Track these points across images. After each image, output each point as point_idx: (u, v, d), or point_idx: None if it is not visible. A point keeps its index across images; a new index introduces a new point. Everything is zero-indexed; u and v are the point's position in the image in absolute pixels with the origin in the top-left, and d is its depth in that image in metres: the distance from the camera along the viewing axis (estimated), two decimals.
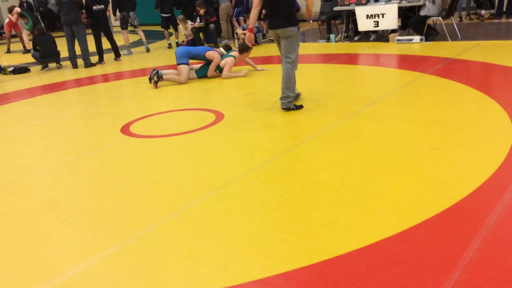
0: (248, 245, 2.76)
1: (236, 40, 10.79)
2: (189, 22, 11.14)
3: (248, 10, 11.58)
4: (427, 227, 2.76)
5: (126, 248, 2.86)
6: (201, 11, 10.68)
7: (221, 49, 7.75)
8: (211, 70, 7.47)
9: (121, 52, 10.96)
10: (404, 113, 4.89)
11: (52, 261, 2.81)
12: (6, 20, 13.59)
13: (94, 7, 9.90)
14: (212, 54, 7.42)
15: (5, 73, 10.18)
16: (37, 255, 2.89)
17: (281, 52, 5.20)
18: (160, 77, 7.27)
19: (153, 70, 7.37)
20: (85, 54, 9.90)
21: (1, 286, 2.61)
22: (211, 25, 10.76)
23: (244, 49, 7.35)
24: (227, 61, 7.39)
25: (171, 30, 11.88)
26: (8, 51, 13.94)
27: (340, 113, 5.12)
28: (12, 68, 10.18)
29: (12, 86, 8.87)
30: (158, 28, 12.51)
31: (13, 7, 13.79)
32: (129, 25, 10.96)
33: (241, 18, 11.64)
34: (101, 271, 2.66)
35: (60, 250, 2.92)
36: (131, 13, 10.93)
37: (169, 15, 11.32)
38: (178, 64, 7.30)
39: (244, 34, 10.55)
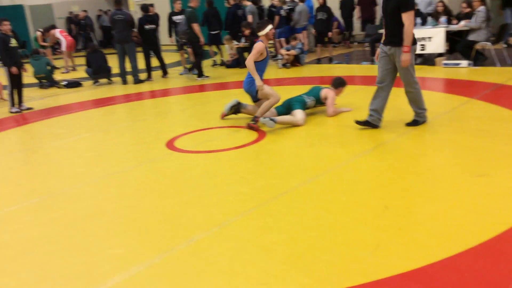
0: (287, 263, 2.77)
1: (279, 60, 10.91)
2: (234, 42, 11.37)
3: (291, 31, 11.69)
4: (473, 255, 2.69)
5: (168, 259, 2.93)
6: (246, 32, 10.87)
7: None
8: (331, 107, 6.16)
9: (177, 72, 11.19)
10: (451, 138, 4.80)
11: (98, 268, 2.91)
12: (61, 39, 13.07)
13: (146, 26, 10.28)
14: (326, 92, 6.27)
15: (59, 87, 10.68)
16: (84, 262, 3.00)
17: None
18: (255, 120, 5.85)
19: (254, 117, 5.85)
20: (135, 71, 10.26)
21: None
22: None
23: (340, 83, 6.35)
24: (330, 96, 6.16)
25: (215, 49, 12.14)
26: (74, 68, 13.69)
27: (384, 135, 5.08)
28: (65, 82, 10.67)
29: (65, 99, 9.29)
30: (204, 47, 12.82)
31: (52, 26, 13.38)
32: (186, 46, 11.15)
33: (283, 39, 11.78)
34: (144, 280, 2.73)
35: (105, 258, 3.02)
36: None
37: (217, 31, 11.56)
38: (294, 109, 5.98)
39: (288, 55, 10.66)
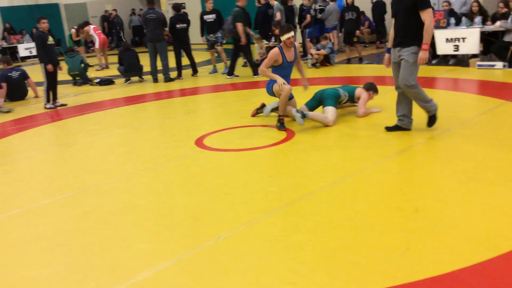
0: (315, 263, 2.76)
1: (308, 60, 10.86)
2: (264, 41, 11.37)
3: (322, 31, 11.62)
4: (506, 261, 2.62)
5: (196, 256, 2.96)
6: (276, 31, 10.86)
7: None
8: (362, 108, 6.06)
9: (207, 71, 11.25)
10: (485, 141, 4.68)
11: (127, 262, 2.96)
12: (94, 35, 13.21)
13: (178, 26, 10.40)
14: (361, 91, 6.19)
15: (92, 84, 10.92)
16: (114, 256, 3.06)
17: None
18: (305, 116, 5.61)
19: (298, 111, 5.61)
20: (165, 70, 10.39)
21: (79, 283, 2.79)
22: None
23: (372, 87, 6.21)
24: (363, 97, 6.09)
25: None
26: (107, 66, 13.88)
27: (415, 137, 5.00)
28: (98, 80, 10.90)
29: (98, 96, 9.49)
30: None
31: (86, 23, 13.60)
32: (217, 45, 11.21)
33: (312, 38, 11.71)
34: (172, 276, 2.77)
35: (135, 252, 3.08)
36: (217, 34, 11.24)
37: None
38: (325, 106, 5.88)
39: (318, 54, 10.60)
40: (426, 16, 4.64)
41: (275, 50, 5.79)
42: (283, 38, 5.71)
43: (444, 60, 9.70)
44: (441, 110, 5.31)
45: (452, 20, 9.35)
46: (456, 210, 3.27)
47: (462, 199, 3.45)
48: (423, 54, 4.68)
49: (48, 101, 8.44)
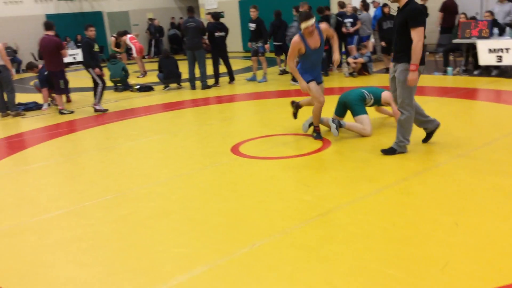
0: (350, 275, 2.73)
1: (345, 69, 10.77)
2: None
3: (359, 41, 11.51)
4: None
5: (231, 262, 2.98)
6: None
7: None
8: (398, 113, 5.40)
9: (244, 78, 11.31)
10: None
11: (163, 266, 3.01)
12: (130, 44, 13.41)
13: (216, 34, 10.55)
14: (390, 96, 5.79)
15: (132, 90, 11.19)
16: (150, 259, 3.12)
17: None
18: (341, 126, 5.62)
19: (333, 120, 5.59)
20: (203, 77, 10.54)
21: (116, 285, 2.86)
22: (323, 54, 10.84)
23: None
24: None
25: (282, 57, 12.21)
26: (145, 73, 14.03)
27: (454, 150, 4.88)
28: (138, 86, 11.17)
29: (137, 102, 9.71)
30: (272, 55, 12.86)
31: (124, 32, 13.76)
32: (259, 55, 11.30)
33: (352, 46, 11.61)
34: (206, 281, 2.80)
35: (170, 257, 3.13)
36: (259, 43, 11.31)
37: (280, 43, 11.65)
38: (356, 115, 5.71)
39: (355, 63, 10.52)
40: (415, 34, 4.46)
41: (296, 38, 5.42)
42: (302, 27, 5.30)
43: (487, 71, 9.43)
44: (482, 122, 5.16)
45: (496, 31, 9.10)
46: (497, 226, 3.17)
47: (503, 214, 3.34)
48: (411, 76, 4.53)
49: (99, 102, 8.65)
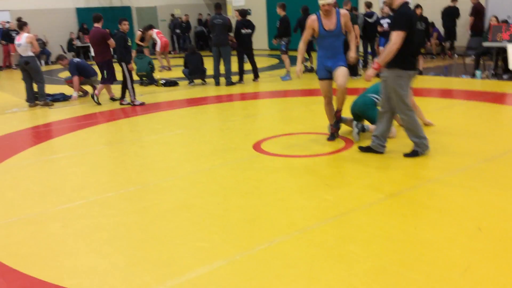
0: (368, 276, 2.70)
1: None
2: None
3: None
4: None
5: (249, 258, 2.99)
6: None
7: None
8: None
9: (280, 77, 11.29)
10: None
11: (182, 259, 3.04)
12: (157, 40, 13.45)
13: (243, 31, 10.57)
14: None
15: (157, 85, 11.31)
16: (170, 251, 3.15)
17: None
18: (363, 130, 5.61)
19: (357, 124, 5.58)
20: (228, 73, 10.58)
21: (136, 275, 2.90)
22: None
23: None
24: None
25: (306, 55, 12.16)
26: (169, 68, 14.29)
27: (480, 154, 4.78)
28: (163, 81, 11.28)
29: (162, 97, 9.82)
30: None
31: (150, 26, 13.69)
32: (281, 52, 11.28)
33: (382, 48, 11.48)
34: (225, 276, 2.81)
35: (190, 250, 3.15)
36: (282, 41, 11.28)
37: None
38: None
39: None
40: (393, 36, 4.41)
41: (312, 16, 5.22)
42: (320, 3, 5.06)
43: None
44: (509, 127, 5.04)
45: None
46: None
47: None
48: (369, 72, 4.58)
49: (135, 97, 8.77)
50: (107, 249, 3.26)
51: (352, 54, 5.38)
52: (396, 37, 4.39)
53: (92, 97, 8.95)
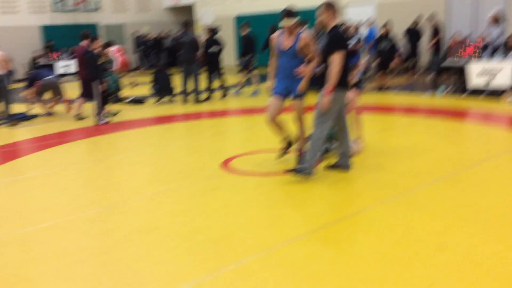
0: None
1: None
2: None
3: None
4: None
5: (217, 279, 2.95)
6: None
7: None
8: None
9: (230, 92, 11.43)
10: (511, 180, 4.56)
11: (148, 282, 2.98)
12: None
13: (211, 49, 10.65)
14: None
15: (123, 103, 11.15)
16: (135, 275, 3.08)
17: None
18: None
19: None
20: (196, 91, 10.57)
21: None
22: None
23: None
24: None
25: None
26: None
27: (438, 171, 4.90)
28: (130, 99, 11.15)
29: (128, 115, 9.68)
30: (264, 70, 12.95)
31: (107, 44, 13.06)
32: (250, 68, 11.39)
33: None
34: None
35: (156, 273, 3.09)
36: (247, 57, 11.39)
37: None
38: None
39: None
40: (333, 58, 4.49)
41: (275, 33, 5.14)
42: (285, 22, 4.91)
43: (476, 93, 9.55)
44: (466, 144, 5.20)
45: (486, 53, 9.25)
46: (484, 248, 3.18)
47: (489, 237, 3.34)
48: (322, 99, 4.57)
49: (101, 115, 8.62)
50: (70, 274, 3.15)
51: (303, 69, 4.95)
52: (337, 58, 4.48)
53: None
